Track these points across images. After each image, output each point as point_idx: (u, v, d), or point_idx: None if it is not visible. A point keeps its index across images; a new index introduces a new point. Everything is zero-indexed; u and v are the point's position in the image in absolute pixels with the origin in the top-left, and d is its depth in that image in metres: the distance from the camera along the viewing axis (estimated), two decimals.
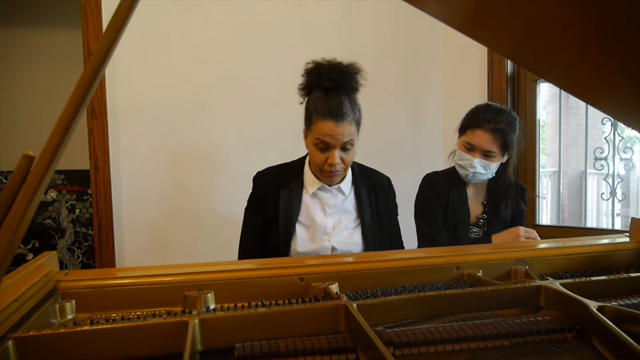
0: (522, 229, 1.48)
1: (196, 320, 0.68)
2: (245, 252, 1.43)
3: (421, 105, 2.64)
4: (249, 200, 1.46)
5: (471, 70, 2.50)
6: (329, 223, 1.40)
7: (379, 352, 0.58)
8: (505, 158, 1.60)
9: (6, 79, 3.41)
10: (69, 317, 0.81)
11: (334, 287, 0.87)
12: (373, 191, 1.47)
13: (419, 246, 1.68)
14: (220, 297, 0.86)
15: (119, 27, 0.51)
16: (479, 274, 0.96)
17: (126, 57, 2.10)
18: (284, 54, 2.30)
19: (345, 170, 1.39)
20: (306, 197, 1.41)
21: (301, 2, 2.35)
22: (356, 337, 0.67)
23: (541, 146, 3.04)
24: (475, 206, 1.68)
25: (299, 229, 1.39)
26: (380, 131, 2.52)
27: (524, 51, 0.54)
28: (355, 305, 0.72)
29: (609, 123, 2.37)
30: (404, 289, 0.91)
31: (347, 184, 1.44)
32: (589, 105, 2.35)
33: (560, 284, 0.81)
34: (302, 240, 1.38)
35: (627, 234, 1.14)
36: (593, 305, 0.72)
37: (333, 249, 1.39)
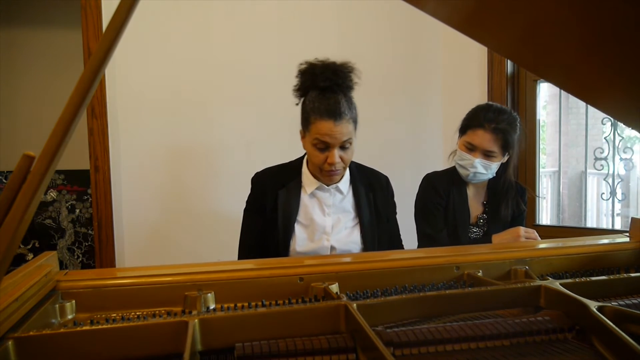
0: (522, 229, 1.48)
1: (196, 320, 0.68)
2: (245, 252, 1.43)
3: (421, 105, 2.64)
4: (247, 201, 1.46)
5: (471, 70, 2.50)
6: (327, 222, 1.40)
7: (379, 352, 0.58)
8: (506, 158, 1.60)
9: (6, 79, 3.41)
10: (69, 317, 0.81)
11: (334, 287, 0.87)
12: (371, 190, 1.47)
13: (419, 246, 1.68)
14: (220, 297, 0.86)
15: (119, 27, 0.51)
16: (479, 274, 0.96)
17: (126, 57, 2.10)
18: (284, 54, 2.30)
19: (345, 168, 1.39)
20: (304, 197, 1.41)
21: (301, 2, 2.35)
22: (356, 337, 0.67)
23: (541, 146, 3.05)
24: (475, 206, 1.68)
25: (297, 228, 1.39)
26: (381, 131, 2.52)
27: (524, 51, 0.54)
28: (355, 305, 0.72)
29: (609, 123, 2.37)
30: (404, 289, 0.91)
31: (345, 184, 1.44)
32: (589, 105, 2.35)
33: (560, 284, 0.81)
34: (301, 240, 1.38)
35: (627, 234, 1.14)
36: (593, 305, 0.72)
37: (332, 248, 1.39)
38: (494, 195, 1.68)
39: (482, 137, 1.54)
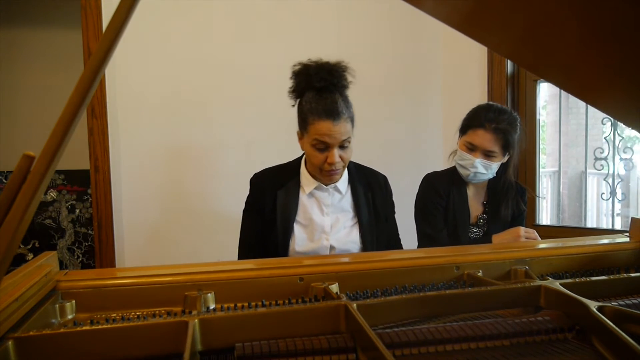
0: (522, 229, 1.48)
1: (196, 320, 0.68)
2: (245, 253, 1.43)
3: (421, 105, 2.64)
4: (246, 202, 1.46)
5: (471, 70, 2.50)
6: (326, 222, 1.41)
7: (379, 352, 0.58)
8: (506, 158, 1.60)
9: (6, 79, 3.41)
10: (69, 317, 0.81)
11: (334, 287, 0.87)
12: (370, 190, 1.47)
13: (419, 246, 1.68)
14: (220, 297, 0.86)
15: (119, 27, 0.51)
16: (479, 274, 0.96)
17: (126, 57, 2.10)
18: (284, 54, 2.29)
19: (344, 168, 1.40)
20: (303, 197, 1.42)
21: (301, 3, 2.35)
22: (356, 337, 0.67)
23: (541, 146, 3.05)
24: (475, 206, 1.68)
25: (297, 228, 1.39)
26: (381, 131, 2.52)
27: (524, 51, 0.54)
28: (355, 305, 0.72)
29: (609, 123, 2.37)
30: (404, 289, 0.91)
31: (343, 183, 1.44)
32: (589, 105, 2.35)
33: (560, 284, 0.81)
34: (300, 240, 1.38)
35: (627, 234, 1.14)
36: (593, 305, 0.72)
37: (331, 247, 1.39)
38: (494, 195, 1.68)
39: (483, 137, 1.54)
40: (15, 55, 3.41)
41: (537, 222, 2.46)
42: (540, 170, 2.58)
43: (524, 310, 0.83)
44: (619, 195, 2.52)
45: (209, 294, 0.84)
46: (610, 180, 2.38)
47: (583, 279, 0.86)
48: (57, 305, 0.81)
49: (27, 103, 3.43)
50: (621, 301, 0.82)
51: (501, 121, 1.53)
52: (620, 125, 2.30)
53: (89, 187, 3.29)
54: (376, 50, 2.49)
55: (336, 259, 1.09)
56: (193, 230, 2.25)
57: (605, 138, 2.42)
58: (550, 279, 0.87)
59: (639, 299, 0.83)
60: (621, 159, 2.37)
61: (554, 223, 3.38)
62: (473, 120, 1.58)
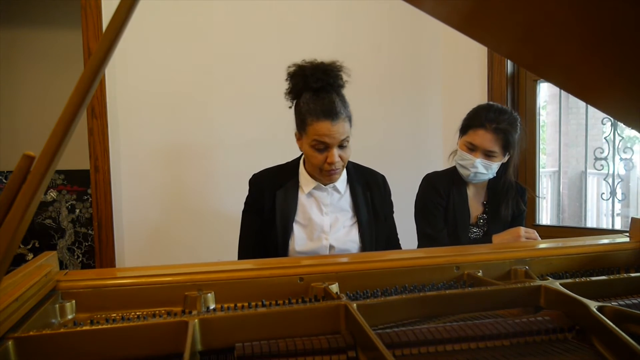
0: (522, 229, 1.48)
1: (196, 320, 0.68)
2: (245, 253, 1.44)
3: (421, 105, 2.64)
4: (245, 202, 1.46)
5: (471, 70, 2.50)
6: (325, 221, 1.41)
7: (379, 352, 0.58)
8: (507, 158, 1.60)
9: (6, 79, 3.41)
10: (69, 317, 0.81)
11: (334, 287, 0.87)
12: (368, 189, 1.47)
13: (419, 246, 1.68)
14: (220, 297, 0.86)
15: (119, 27, 0.51)
16: (479, 274, 0.96)
17: (126, 57, 2.10)
18: (285, 54, 2.28)
19: (344, 167, 1.40)
20: (302, 197, 1.42)
21: (302, 3, 2.35)
22: (356, 337, 0.67)
23: (541, 146, 3.05)
24: (475, 206, 1.68)
25: (296, 228, 1.39)
26: (381, 131, 2.52)
27: (524, 51, 0.54)
28: (355, 305, 0.72)
29: (609, 123, 2.37)
30: (404, 289, 0.91)
31: (342, 183, 1.45)
32: (589, 105, 2.35)
33: (560, 284, 0.81)
34: (300, 240, 1.39)
35: (627, 234, 1.14)
36: (593, 305, 0.72)
37: (331, 247, 1.40)
38: (494, 195, 1.68)
39: (483, 137, 1.54)
40: (16, 55, 3.41)
41: (537, 222, 2.46)
42: (540, 170, 2.58)
43: (524, 310, 0.83)
44: (619, 195, 2.52)
45: (209, 294, 0.84)
46: (610, 180, 2.38)
47: (583, 279, 0.86)
48: (57, 305, 0.81)
49: (27, 103, 3.43)
50: (621, 301, 0.82)
51: (502, 121, 1.53)
52: (620, 125, 2.30)
53: (89, 187, 3.29)
54: (376, 50, 2.49)
55: (336, 259, 1.09)
56: (193, 230, 2.25)
57: (605, 138, 2.42)
58: (550, 279, 0.87)
59: (639, 299, 0.83)
60: (621, 159, 2.37)
61: (554, 223, 3.38)
62: (473, 120, 1.58)
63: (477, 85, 2.48)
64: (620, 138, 2.34)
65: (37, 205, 0.55)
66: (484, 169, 1.56)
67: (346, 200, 1.45)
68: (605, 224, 3.48)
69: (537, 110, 2.41)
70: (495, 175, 1.61)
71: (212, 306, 0.84)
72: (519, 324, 0.72)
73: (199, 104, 2.24)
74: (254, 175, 1.48)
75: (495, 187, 1.67)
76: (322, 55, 1.35)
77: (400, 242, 1.56)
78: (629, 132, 3.00)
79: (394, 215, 1.56)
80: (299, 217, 1.40)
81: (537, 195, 2.49)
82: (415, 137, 2.63)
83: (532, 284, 0.83)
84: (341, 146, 1.33)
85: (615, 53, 0.46)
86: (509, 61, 2.35)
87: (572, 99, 4.13)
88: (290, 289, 0.89)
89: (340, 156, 1.33)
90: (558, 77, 0.59)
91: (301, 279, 0.90)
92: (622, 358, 0.64)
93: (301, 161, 1.46)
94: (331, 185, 1.42)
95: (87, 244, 3.55)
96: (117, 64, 2.11)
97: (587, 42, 0.46)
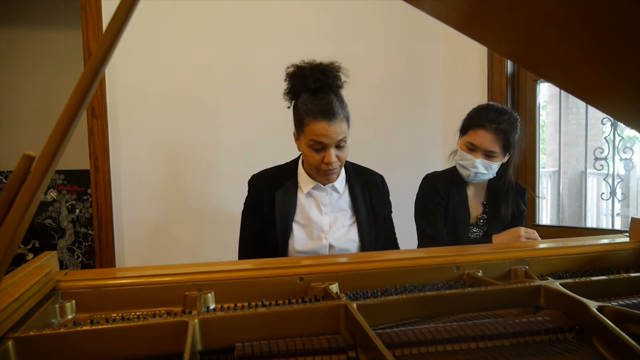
0: (522, 230, 1.48)
1: (196, 320, 0.68)
2: (245, 253, 1.44)
3: (421, 105, 2.64)
4: (245, 203, 1.47)
5: (471, 70, 2.50)
6: (325, 221, 1.41)
7: (379, 352, 0.58)
8: (507, 158, 1.60)
9: (6, 79, 3.41)
10: (69, 317, 0.81)
11: (334, 287, 0.87)
12: (367, 189, 1.48)
13: (419, 246, 1.68)
14: (220, 297, 0.86)
15: (119, 27, 0.51)
16: (479, 274, 0.96)
17: (126, 57, 2.10)
18: (285, 54, 2.29)
19: (341, 167, 1.41)
20: (301, 197, 1.42)
21: (302, 3, 2.35)
22: (356, 337, 0.67)
23: (541, 146, 3.05)
24: (475, 206, 1.68)
25: (296, 228, 1.40)
26: (381, 131, 2.52)
27: (524, 51, 0.54)
28: (355, 305, 0.72)
29: (609, 123, 2.37)
30: (404, 289, 0.91)
31: (341, 183, 1.45)
32: (589, 105, 2.35)
33: (560, 284, 0.81)
34: (299, 239, 1.39)
35: (627, 234, 1.14)
36: (593, 305, 0.72)
37: (330, 246, 1.40)
38: (494, 195, 1.68)
39: (484, 137, 1.54)
40: (16, 55, 3.41)
41: (537, 222, 2.46)
42: (540, 170, 2.58)
43: (524, 310, 0.83)
44: (618, 195, 2.51)
45: (209, 294, 0.84)
46: (610, 180, 2.38)
47: (583, 279, 0.86)
48: (57, 305, 0.81)
49: (28, 103, 3.43)
50: (621, 301, 0.82)
51: (502, 121, 1.53)
52: (620, 125, 2.30)
53: (89, 187, 3.29)
54: (376, 50, 2.49)
55: (336, 258, 1.09)
56: (193, 230, 2.25)
57: (605, 138, 2.42)
58: (550, 279, 0.87)
59: (639, 299, 0.83)
60: (621, 159, 2.37)
61: (554, 223, 3.38)
62: (474, 121, 1.58)
63: (477, 85, 2.48)
64: (620, 138, 2.34)
65: (37, 205, 0.55)
66: (484, 169, 1.56)
67: (345, 200, 1.45)
68: (605, 224, 3.48)
69: (537, 110, 2.41)
70: (495, 175, 1.61)
71: (212, 306, 0.84)
72: (519, 324, 0.72)
73: (199, 104, 2.24)
74: (253, 176, 1.48)
75: (495, 187, 1.67)
76: (322, 55, 1.35)
77: (398, 242, 1.56)
78: (629, 132, 3.00)
79: (394, 215, 1.56)
80: (298, 217, 1.41)
81: (537, 195, 2.49)
82: (415, 137, 2.63)
83: (532, 284, 0.83)
84: (338, 146, 1.33)
85: (615, 53, 0.46)
86: (509, 61, 2.35)
87: (572, 99, 4.12)
88: (290, 289, 0.89)
89: (337, 156, 1.33)
90: (558, 77, 0.59)
91: (301, 279, 0.90)
92: (622, 358, 0.64)
93: (300, 161, 1.46)
94: (330, 185, 1.42)
95: (87, 244, 3.55)
96: (117, 64, 2.11)
97: (587, 42, 0.46)
